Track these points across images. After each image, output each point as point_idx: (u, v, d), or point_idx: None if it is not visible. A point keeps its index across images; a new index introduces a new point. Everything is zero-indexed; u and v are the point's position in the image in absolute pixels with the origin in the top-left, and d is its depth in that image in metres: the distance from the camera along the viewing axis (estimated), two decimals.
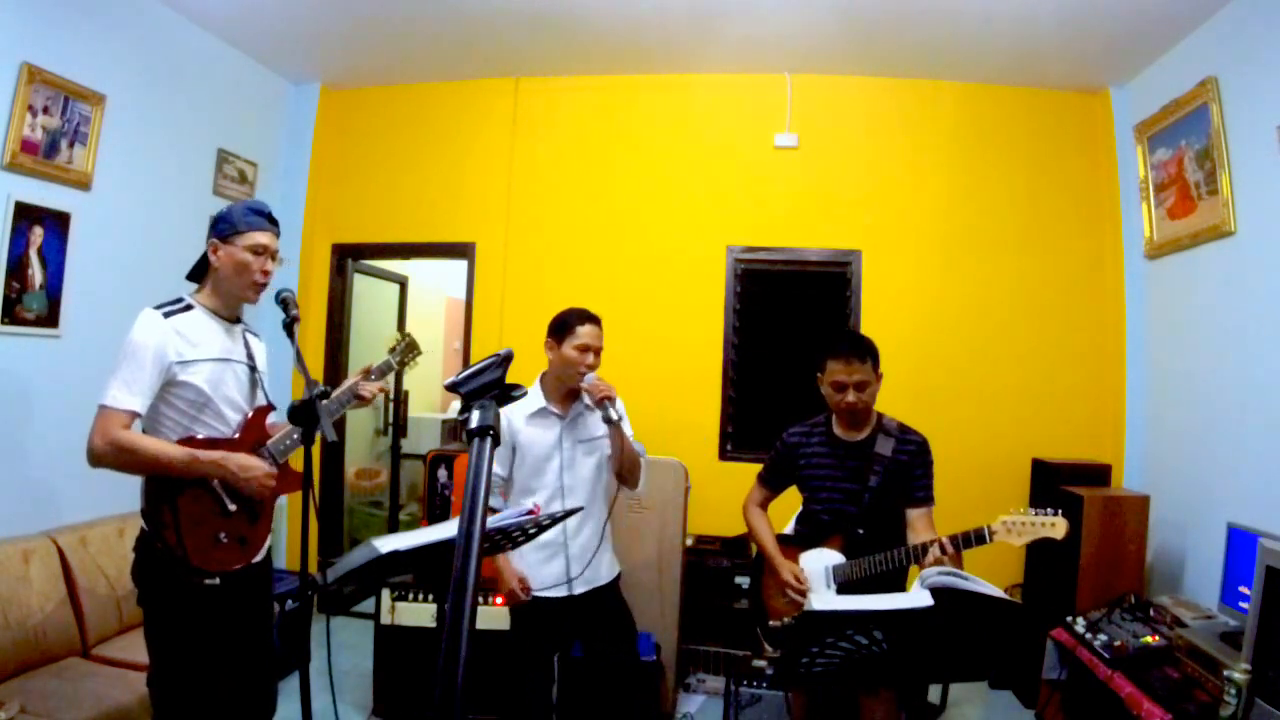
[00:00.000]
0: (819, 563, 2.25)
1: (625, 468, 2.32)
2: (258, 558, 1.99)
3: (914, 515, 2.22)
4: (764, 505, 2.49)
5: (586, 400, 2.29)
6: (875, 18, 3.32)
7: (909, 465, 2.22)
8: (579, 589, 2.32)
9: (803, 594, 2.21)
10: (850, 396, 2.19)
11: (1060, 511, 2.00)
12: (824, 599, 2.14)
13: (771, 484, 2.47)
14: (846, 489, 2.26)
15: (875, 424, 2.28)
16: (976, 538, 2.03)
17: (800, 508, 2.44)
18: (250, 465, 1.87)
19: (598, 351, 2.29)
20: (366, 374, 2.18)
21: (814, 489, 2.33)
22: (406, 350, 2.36)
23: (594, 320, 2.32)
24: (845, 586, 2.19)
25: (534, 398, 2.36)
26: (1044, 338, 3.82)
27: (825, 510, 2.29)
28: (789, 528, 2.47)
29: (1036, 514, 2.02)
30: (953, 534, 2.05)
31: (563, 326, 2.31)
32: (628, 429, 2.34)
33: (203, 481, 1.84)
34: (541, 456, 2.32)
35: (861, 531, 2.22)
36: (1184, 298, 3.30)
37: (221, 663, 1.88)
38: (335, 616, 4.10)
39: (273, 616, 2.20)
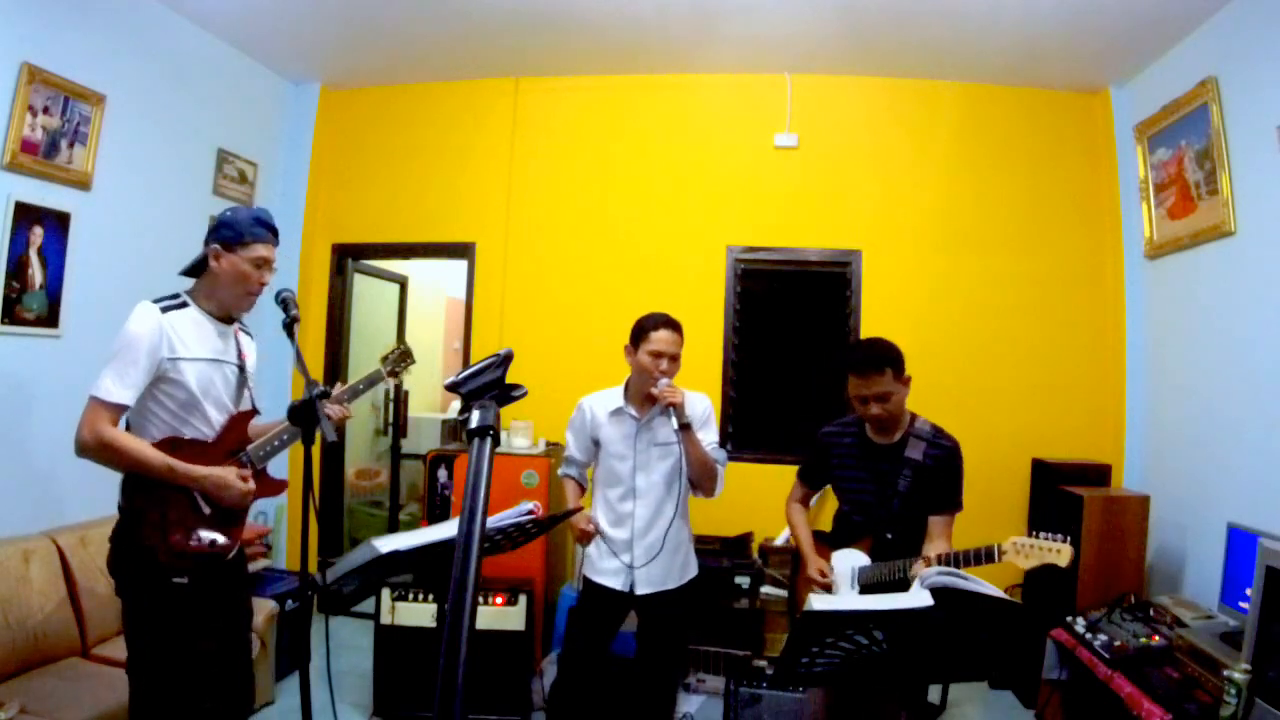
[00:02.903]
0: (847, 563, 2.26)
1: (697, 475, 2.35)
2: (230, 555, 1.99)
3: (934, 521, 2.22)
4: (804, 501, 2.51)
5: (660, 406, 2.33)
6: (875, 18, 3.32)
7: (936, 471, 2.21)
8: (641, 589, 2.36)
9: (826, 588, 2.24)
10: (873, 409, 2.18)
11: (1069, 539, 1.98)
12: (846, 598, 2.15)
13: (809, 480, 2.50)
14: (875, 491, 2.26)
15: (908, 427, 2.26)
16: (986, 555, 2.04)
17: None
18: (227, 485, 1.87)
19: (674, 358, 2.30)
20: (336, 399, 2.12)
21: (844, 489, 2.35)
22: (399, 360, 2.36)
23: (671, 326, 2.32)
24: (868, 589, 2.19)
25: (616, 397, 2.43)
26: (1044, 338, 3.82)
27: (855, 511, 2.31)
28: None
29: (1045, 538, 2.01)
30: (964, 549, 2.06)
31: (639, 332, 2.34)
32: (711, 434, 2.39)
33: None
34: (616, 455, 2.40)
35: (890, 536, 2.23)
36: (1184, 298, 3.30)
37: (197, 655, 1.88)
38: (335, 616, 4.10)
39: (250, 611, 2.18)
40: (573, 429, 2.51)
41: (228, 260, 1.92)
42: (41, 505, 2.79)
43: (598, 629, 2.44)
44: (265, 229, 1.97)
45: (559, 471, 2.60)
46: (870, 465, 2.28)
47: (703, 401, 2.40)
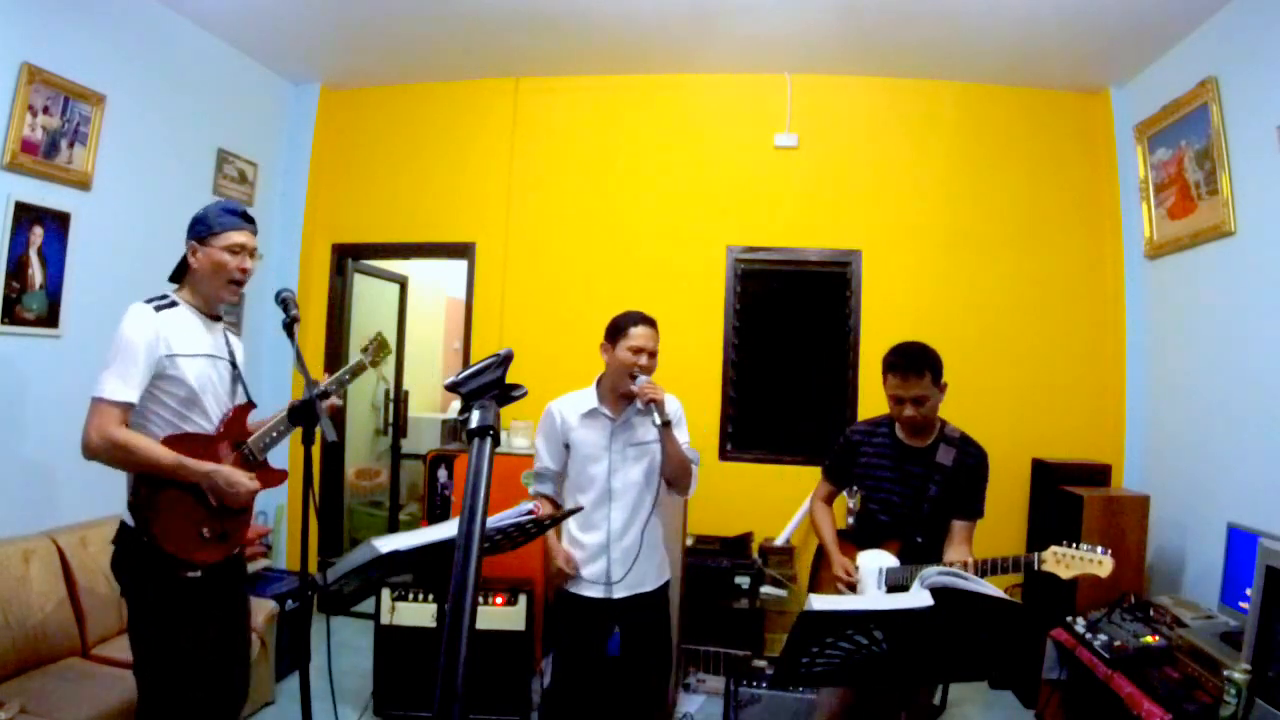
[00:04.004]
0: (874, 563, 2.26)
1: (674, 473, 2.32)
2: (236, 550, 2.03)
3: (957, 526, 2.24)
4: (829, 499, 2.52)
5: (640, 405, 2.28)
6: (875, 18, 3.32)
7: (964, 477, 2.24)
8: (619, 593, 2.31)
9: (852, 586, 2.24)
10: (908, 411, 2.20)
11: (1110, 552, 2.01)
12: (869, 598, 2.15)
13: (834, 478, 2.51)
14: (903, 493, 2.28)
15: (938, 432, 2.28)
16: (1026, 565, 2.07)
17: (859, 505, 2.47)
18: (236, 481, 1.90)
19: (652, 354, 2.28)
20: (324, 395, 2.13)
21: (871, 489, 2.36)
22: (378, 350, 2.35)
23: (648, 322, 2.31)
24: (895, 590, 2.19)
25: (588, 398, 2.36)
26: (1044, 338, 3.82)
27: (882, 511, 2.32)
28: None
29: (1086, 549, 2.03)
30: (1000, 557, 2.08)
31: (617, 329, 2.30)
32: (683, 435, 2.35)
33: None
34: (590, 457, 2.33)
35: (921, 540, 2.25)
36: (1184, 298, 3.30)
37: (203, 651, 1.91)
38: (335, 616, 4.10)
39: (248, 605, 2.22)
40: (543, 434, 2.40)
41: (203, 253, 1.95)
42: (41, 505, 2.79)
43: (583, 642, 2.35)
44: (235, 216, 1.98)
45: (531, 491, 2.48)
46: (900, 467, 2.29)
47: (675, 401, 2.37)
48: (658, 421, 2.16)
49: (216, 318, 2.05)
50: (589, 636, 2.36)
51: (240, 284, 2.00)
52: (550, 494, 2.41)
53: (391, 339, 5.11)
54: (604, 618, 2.33)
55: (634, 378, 2.22)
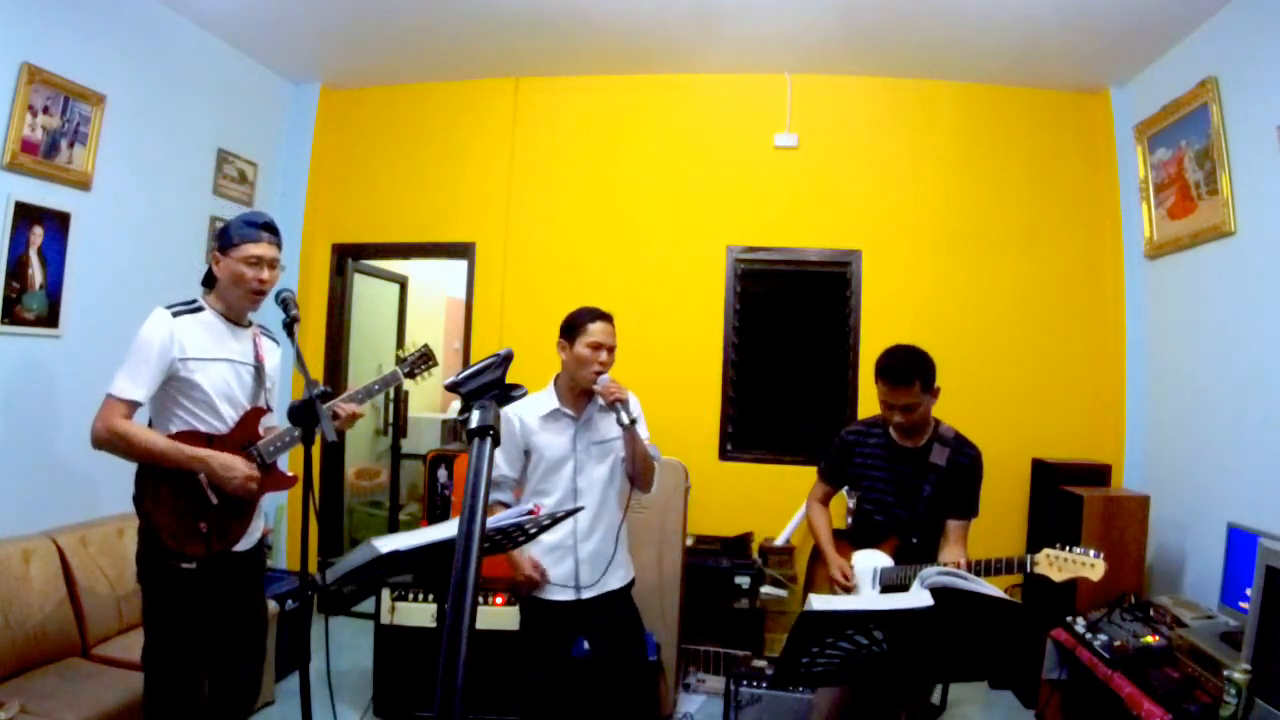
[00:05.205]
0: (869, 563, 2.28)
1: (638, 470, 2.30)
2: (240, 547, 2.05)
3: (952, 526, 2.26)
4: (825, 500, 2.53)
5: (600, 402, 2.26)
6: (875, 18, 3.32)
7: (958, 477, 2.25)
8: (587, 594, 2.27)
9: (849, 589, 2.25)
10: (897, 417, 2.22)
11: (1102, 555, 2.02)
12: (867, 598, 2.17)
13: (829, 479, 2.52)
14: (897, 493, 2.29)
15: (932, 432, 2.29)
16: (1019, 565, 2.09)
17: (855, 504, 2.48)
18: (232, 466, 1.95)
19: (611, 349, 2.26)
20: (352, 395, 2.16)
21: (866, 489, 2.37)
22: (419, 361, 2.34)
23: (605, 318, 2.29)
24: (890, 590, 2.21)
25: (547, 399, 2.31)
26: (1044, 338, 3.82)
27: (877, 511, 2.33)
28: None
29: (1079, 552, 2.05)
30: (993, 558, 2.09)
31: (574, 325, 2.27)
32: (644, 431, 2.31)
33: (190, 474, 1.93)
34: (555, 459, 2.28)
35: (916, 540, 2.26)
36: (1184, 298, 3.30)
37: (205, 645, 1.95)
38: (335, 616, 4.09)
39: (264, 605, 2.26)
40: (501, 442, 2.31)
41: (224, 263, 2.03)
42: (42, 505, 2.79)
43: (554, 647, 2.32)
44: (255, 228, 2.04)
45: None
46: (894, 467, 2.30)
47: (634, 398, 2.33)
48: (625, 421, 2.15)
49: (245, 323, 2.11)
50: (562, 640, 2.34)
51: (259, 293, 2.06)
52: (508, 501, 2.33)
53: (391, 339, 5.14)
54: (574, 620, 2.30)
55: (595, 374, 2.20)
